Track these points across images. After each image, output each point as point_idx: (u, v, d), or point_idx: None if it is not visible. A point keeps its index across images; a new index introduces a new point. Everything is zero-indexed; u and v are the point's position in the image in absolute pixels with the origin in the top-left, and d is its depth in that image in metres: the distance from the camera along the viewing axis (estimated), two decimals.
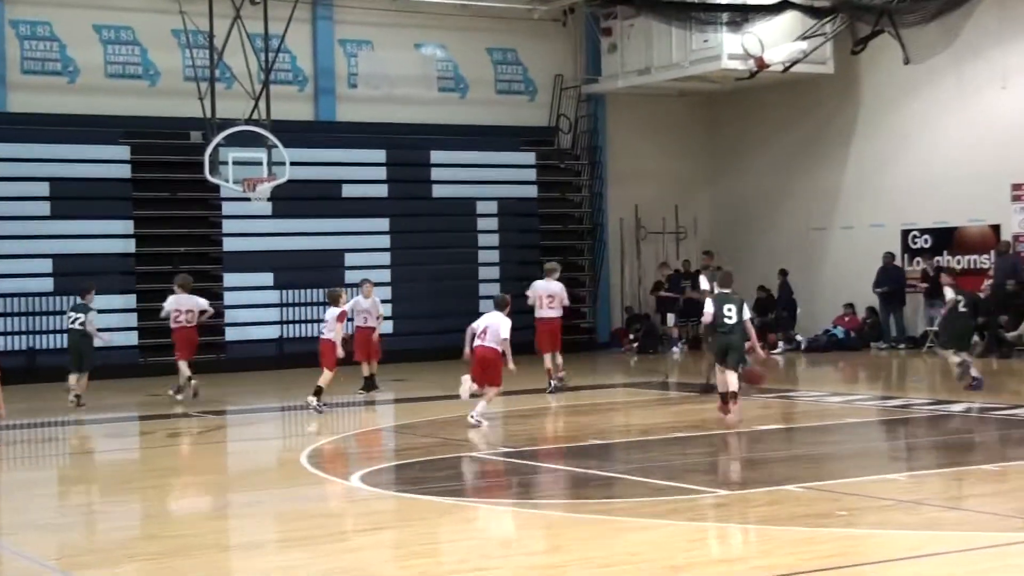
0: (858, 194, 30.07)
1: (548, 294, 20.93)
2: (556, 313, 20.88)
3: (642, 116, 32.30)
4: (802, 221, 31.09)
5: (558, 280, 21.24)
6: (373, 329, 21.42)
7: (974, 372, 19.73)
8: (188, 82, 26.13)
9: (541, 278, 21.42)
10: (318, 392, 19.41)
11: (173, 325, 21.62)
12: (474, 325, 17.34)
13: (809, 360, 27.55)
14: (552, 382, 20.81)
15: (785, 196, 31.55)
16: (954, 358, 19.93)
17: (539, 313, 20.94)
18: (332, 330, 19.59)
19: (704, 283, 20.63)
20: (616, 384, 23.29)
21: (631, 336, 30.62)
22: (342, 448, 16.37)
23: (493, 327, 17.10)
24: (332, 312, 19.82)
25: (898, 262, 28.75)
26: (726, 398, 16.80)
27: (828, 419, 17.69)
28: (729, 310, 17.16)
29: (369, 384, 21.42)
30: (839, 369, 25.98)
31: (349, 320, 20.96)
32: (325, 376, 19.53)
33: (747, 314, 17.19)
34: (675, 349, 29.72)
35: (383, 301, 28.03)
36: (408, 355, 26.46)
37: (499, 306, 17.49)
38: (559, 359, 20.97)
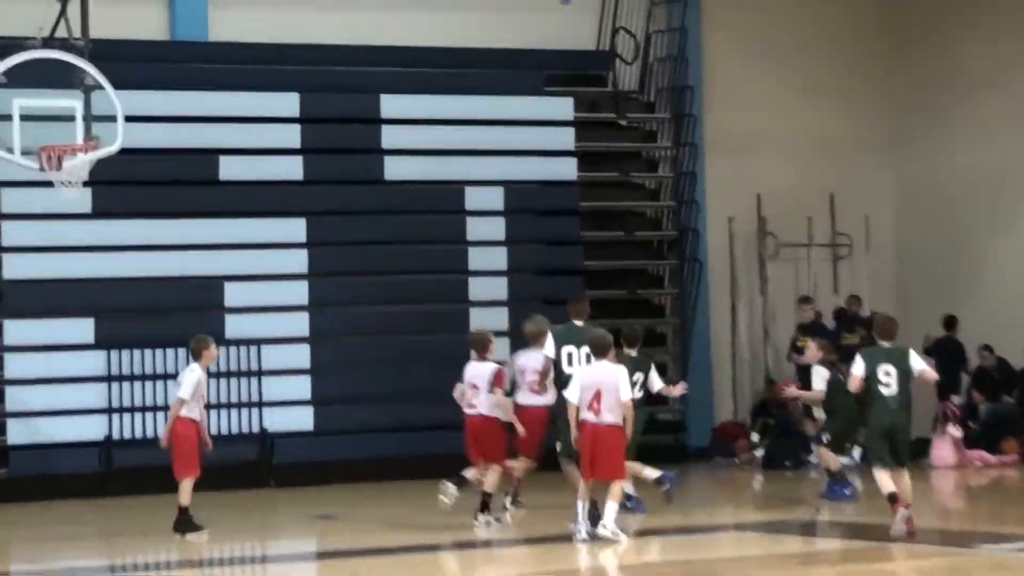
0: None
1: None
2: None
3: (767, 32, 32.79)
4: None
5: None
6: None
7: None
8: None
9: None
10: (488, 503, 21.71)
11: None
12: (569, 396, 20.05)
13: None
14: None
15: None
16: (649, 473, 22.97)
17: None
18: (494, 403, 21.59)
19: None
20: (725, 526, 23.33)
21: (752, 437, 30.65)
22: None
23: (608, 388, 19.79)
24: (484, 369, 21.75)
25: None
26: (895, 498, 19.49)
27: None
28: (887, 374, 19.71)
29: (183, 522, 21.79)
30: None
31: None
32: (493, 477, 21.69)
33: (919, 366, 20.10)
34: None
35: (293, 372, 28.25)
36: (340, 471, 26.81)
37: (601, 350, 20.21)
38: None
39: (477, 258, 29.95)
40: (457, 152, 29.98)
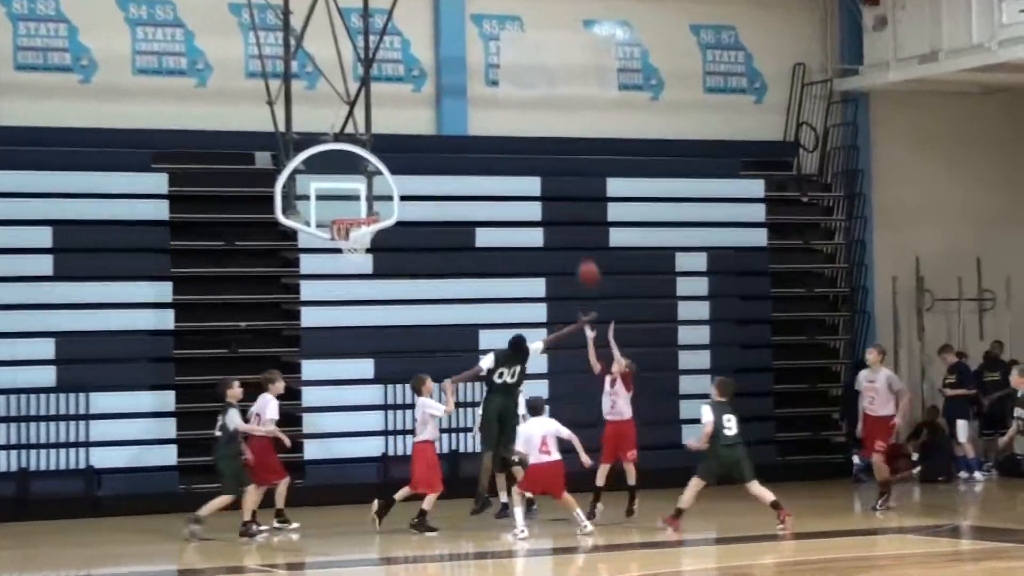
0: None
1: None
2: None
3: (925, 125, 32.33)
4: None
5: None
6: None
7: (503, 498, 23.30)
8: (252, 79, 26.75)
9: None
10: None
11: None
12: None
13: None
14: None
15: None
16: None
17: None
18: None
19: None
20: (885, 529, 22.86)
21: (912, 455, 29.98)
22: None
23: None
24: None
25: None
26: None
27: None
28: None
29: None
30: None
31: None
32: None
33: None
34: (977, 475, 29.36)
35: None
36: (575, 482, 25.23)
37: None
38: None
39: (684, 311, 29.76)
40: (669, 224, 29.79)
